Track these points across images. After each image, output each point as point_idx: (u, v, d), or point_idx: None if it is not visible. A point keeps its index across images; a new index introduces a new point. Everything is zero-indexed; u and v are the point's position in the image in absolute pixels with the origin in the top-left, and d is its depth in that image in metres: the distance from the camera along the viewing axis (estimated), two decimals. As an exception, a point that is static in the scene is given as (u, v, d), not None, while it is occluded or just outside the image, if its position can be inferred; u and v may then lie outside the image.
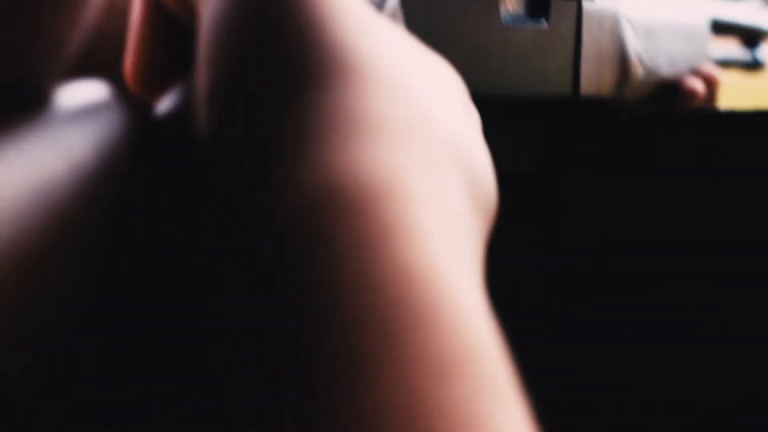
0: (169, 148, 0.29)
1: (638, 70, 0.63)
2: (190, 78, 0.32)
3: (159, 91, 0.34)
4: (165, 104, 0.31)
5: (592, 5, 0.56)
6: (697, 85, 0.71)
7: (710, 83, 0.74)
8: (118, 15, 0.50)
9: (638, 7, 0.64)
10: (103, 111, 0.27)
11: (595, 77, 0.57)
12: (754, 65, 1.07)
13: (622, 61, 0.60)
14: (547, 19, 0.51)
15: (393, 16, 0.39)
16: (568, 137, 0.57)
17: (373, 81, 0.27)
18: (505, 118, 0.57)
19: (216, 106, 0.27)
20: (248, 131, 0.26)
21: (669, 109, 0.57)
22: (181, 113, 0.30)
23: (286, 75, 0.27)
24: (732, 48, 1.06)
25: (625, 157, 0.57)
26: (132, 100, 0.28)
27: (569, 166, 0.58)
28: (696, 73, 0.74)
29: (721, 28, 0.98)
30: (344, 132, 0.26)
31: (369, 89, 0.27)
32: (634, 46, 0.62)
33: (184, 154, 0.29)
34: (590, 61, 0.56)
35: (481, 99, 0.48)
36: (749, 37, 1.07)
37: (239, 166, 0.26)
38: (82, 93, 0.27)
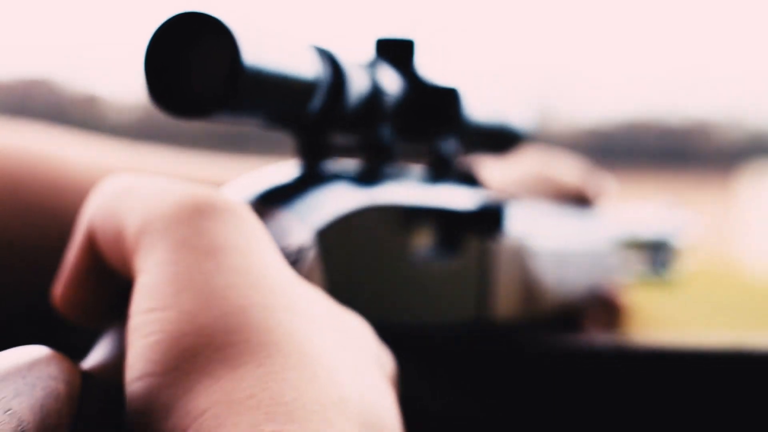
0: (103, 401, 0.31)
1: (545, 297, 0.66)
2: (120, 323, 0.34)
3: (86, 316, 0.36)
4: (97, 354, 0.34)
5: (507, 240, 0.60)
6: (597, 312, 0.76)
7: (612, 307, 0.78)
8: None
9: (547, 236, 0.68)
10: (38, 369, 0.29)
11: (504, 302, 0.61)
12: (664, 276, 1.09)
13: (528, 289, 0.64)
14: (455, 254, 0.55)
15: (310, 272, 0.41)
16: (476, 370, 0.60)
17: (291, 360, 0.30)
18: (419, 351, 0.61)
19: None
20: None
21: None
22: (113, 364, 0.33)
23: (209, 345, 0.30)
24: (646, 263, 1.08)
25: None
26: (67, 359, 0.31)
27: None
28: (598, 297, 0.78)
29: (638, 244, 1.01)
30: (261, 414, 0.28)
31: (287, 370, 0.30)
32: (538, 274, 0.66)
33: (115, 405, 0.31)
34: (500, 287, 0.60)
35: (396, 329, 0.52)
36: (656, 249, 1.09)
37: None
38: (17, 355, 0.29)
